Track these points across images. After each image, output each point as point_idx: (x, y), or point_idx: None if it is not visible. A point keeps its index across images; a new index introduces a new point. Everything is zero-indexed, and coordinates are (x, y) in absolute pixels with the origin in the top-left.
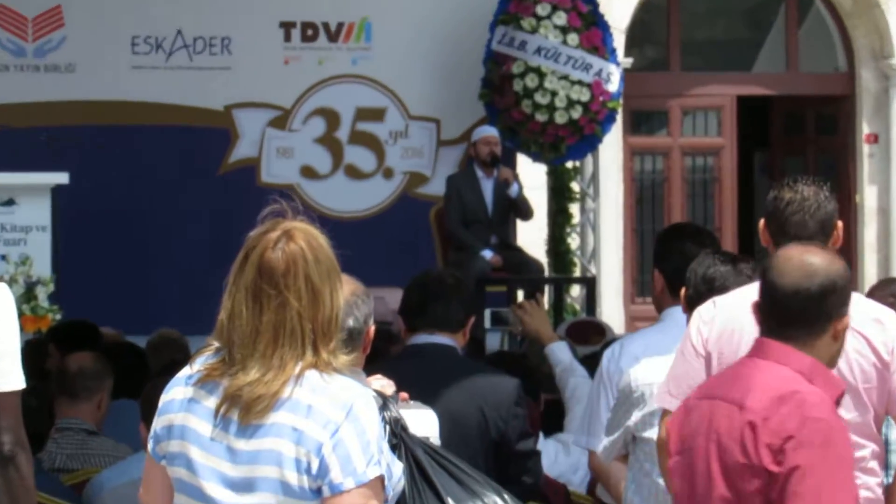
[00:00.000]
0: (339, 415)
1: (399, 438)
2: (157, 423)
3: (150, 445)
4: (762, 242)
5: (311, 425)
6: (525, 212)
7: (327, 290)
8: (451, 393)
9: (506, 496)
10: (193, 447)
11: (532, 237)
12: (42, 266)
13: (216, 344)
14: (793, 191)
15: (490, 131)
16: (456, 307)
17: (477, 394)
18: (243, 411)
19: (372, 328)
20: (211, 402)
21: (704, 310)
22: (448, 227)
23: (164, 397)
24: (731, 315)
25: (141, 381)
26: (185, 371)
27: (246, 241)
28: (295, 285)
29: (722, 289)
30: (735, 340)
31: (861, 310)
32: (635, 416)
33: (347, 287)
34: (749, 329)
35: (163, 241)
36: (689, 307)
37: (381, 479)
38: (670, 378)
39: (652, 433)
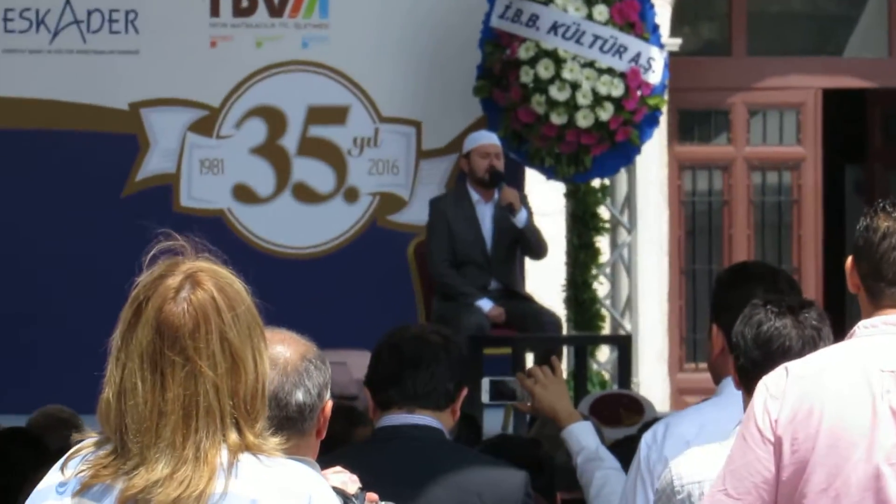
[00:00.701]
0: None
1: None
2: None
3: None
4: (850, 288)
5: None
6: (536, 247)
7: (249, 353)
8: (438, 491)
9: None
10: None
11: (546, 281)
12: None
13: (93, 437)
14: (891, 218)
15: (489, 138)
16: (442, 376)
17: (472, 491)
18: None
19: (329, 403)
20: None
21: (773, 381)
22: (432, 268)
23: None
24: (809, 387)
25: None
26: (55, 477)
27: (134, 290)
28: (208, 348)
29: (784, 351)
30: (814, 422)
31: None
32: None
33: (296, 349)
34: (832, 406)
35: (47, 290)
36: (743, 381)
37: None
38: (728, 472)
39: None
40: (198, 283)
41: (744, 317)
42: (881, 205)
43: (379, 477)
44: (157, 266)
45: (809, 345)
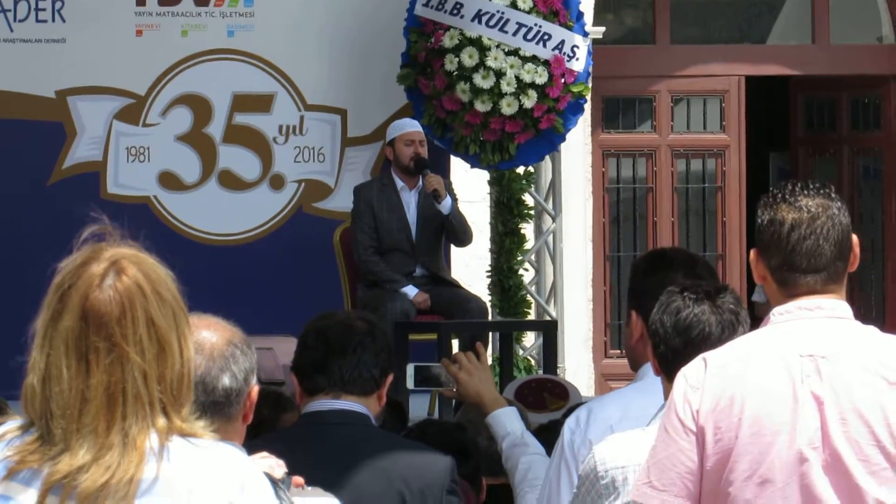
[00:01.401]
0: (230, 490)
1: None
2: None
3: None
4: (756, 279)
5: None
6: (461, 234)
7: (175, 338)
8: (363, 476)
9: None
10: None
11: (471, 268)
12: None
13: (18, 422)
14: (795, 208)
15: (413, 126)
16: (368, 363)
17: (397, 477)
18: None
19: (255, 389)
20: (29, 497)
21: (691, 372)
22: (357, 255)
23: None
24: (729, 376)
25: None
26: None
27: (57, 277)
28: (135, 334)
29: (704, 338)
30: (736, 410)
31: None
32: None
33: (222, 334)
34: (753, 393)
35: None
36: (663, 368)
37: None
38: (652, 464)
39: None
40: (122, 270)
41: (661, 304)
42: (780, 195)
43: (305, 462)
44: (79, 253)
45: (728, 329)
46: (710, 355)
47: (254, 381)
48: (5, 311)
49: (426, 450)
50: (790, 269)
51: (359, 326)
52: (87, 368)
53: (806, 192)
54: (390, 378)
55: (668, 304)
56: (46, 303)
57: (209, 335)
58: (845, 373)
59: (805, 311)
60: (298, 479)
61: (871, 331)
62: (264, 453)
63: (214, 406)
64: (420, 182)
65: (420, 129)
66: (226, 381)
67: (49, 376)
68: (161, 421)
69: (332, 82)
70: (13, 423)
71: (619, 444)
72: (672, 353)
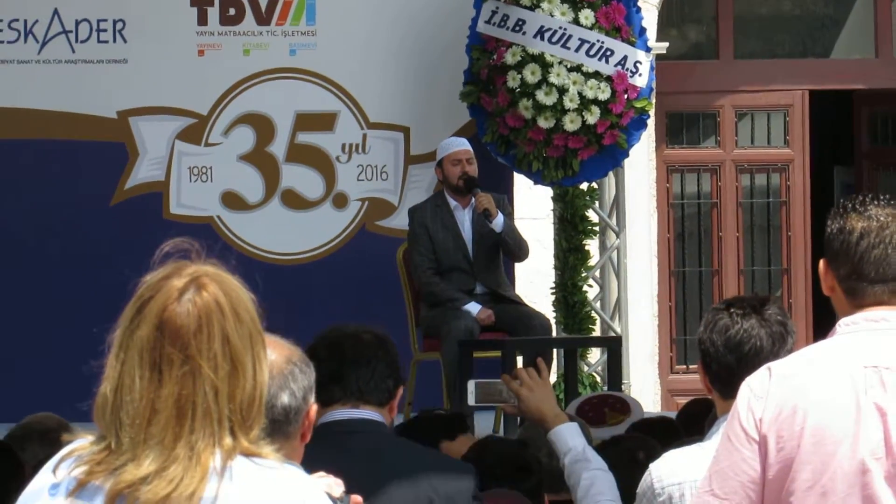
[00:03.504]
0: None
1: None
2: None
3: None
4: (825, 290)
5: None
6: (516, 250)
7: (249, 358)
8: (392, 483)
9: None
10: None
11: (535, 285)
12: None
13: (88, 439)
14: (864, 217)
15: (459, 145)
16: (383, 373)
17: (425, 483)
18: None
19: (313, 407)
20: None
21: (756, 381)
22: (416, 276)
23: None
24: (792, 386)
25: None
26: (47, 479)
27: (139, 289)
28: (210, 350)
29: (756, 352)
30: (799, 420)
31: None
32: None
33: (280, 353)
34: (816, 403)
35: (36, 297)
36: (717, 387)
37: None
38: (713, 472)
39: None
40: (202, 286)
41: (707, 323)
42: (850, 205)
43: (332, 471)
44: (163, 267)
45: (779, 341)
46: (775, 365)
47: (312, 399)
48: (68, 328)
49: (448, 458)
50: (858, 279)
51: (371, 338)
52: (159, 378)
53: (876, 202)
54: (401, 391)
55: (715, 323)
56: (126, 313)
57: (269, 353)
58: None
59: (871, 323)
60: (357, 498)
61: None
62: (321, 472)
63: (273, 424)
64: (473, 200)
65: (467, 146)
66: (285, 399)
67: (121, 385)
68: (228, 440)
69: (395, 100)
70: (83, 441)
71: (675, 460)
72: (727, 370)
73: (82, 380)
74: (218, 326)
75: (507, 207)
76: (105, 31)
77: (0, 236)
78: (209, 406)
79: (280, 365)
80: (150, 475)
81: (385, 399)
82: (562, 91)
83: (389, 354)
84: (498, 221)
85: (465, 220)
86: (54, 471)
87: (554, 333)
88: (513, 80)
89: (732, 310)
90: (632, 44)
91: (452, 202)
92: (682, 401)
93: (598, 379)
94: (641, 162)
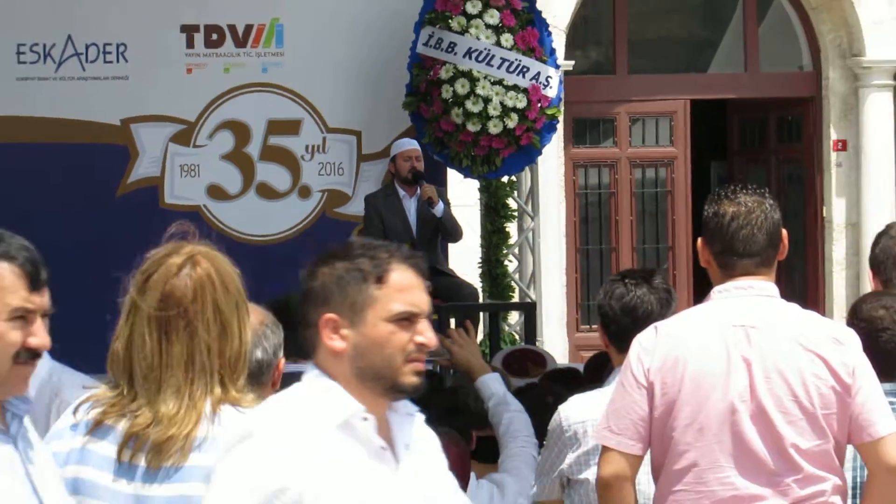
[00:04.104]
0: None
1: None
2: None
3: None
4: (702, 263)
5: None
6: (452, 232)
7: (236, 322)
8: None
9: None
10: (91, 500)
11: (465, 260)
12: None
13: (102, 386)
14: (735, 203)
15: (409, 145)
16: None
17: None
18: (153, 454)
19: (282, 361)
20: (109, 448)
21: (645, 337)
22: None
23: (50, 449)
24: (675, 342)
25: None
26: (68, 420)
27: (144, 263)
28: (204, 315)
29: (647, 314)
30: (680, 369)
31: (818, 329)
32: (569, 459)
33: (255, 316)
34: (694, 356)
35: (54, 270)
36: (614, 344)
37: None
38: (610, 413)
39: (589, 474)
40: (197, 263)
41: (606, 292)
42: (723, 193)
43: None
44: (163, 246)
45: (665, 305)
46: (661, 324)
47: (280, 354)
48: (81, 302)
49: None
50: (730, 254)
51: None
52: (167, 339)
53: (744, 191)
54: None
55: (613, 291)
56: (134, 284)
57: None
58: (770, 340)
59: (740, 290)
60: None
61: (794, 307)
62: None
63: (250, 376)
64: (418, 190)
65: (416, 146)
66: (259, 354)
67: (132, 343)
68: (218, 390)
69: (349, 109)
70: (97, 390)
71: (580, 403)
72: (622, 330)
73: (92, 338)
74: (210, 296)
75: (445, 197)
76: (110, 53)
77: (24, 222)
78: (204, 362)
79: (254, 326)
80: (159, 419)
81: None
82: (486, 101)
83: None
84: (439, 208)
85: (410, 207)
86: (74, 413)
87: (480, 300)
88: (446, 92)
89: (627, 280)
90: (544, 62)
91: (401, 192)
92: (587, 354)
93: (517, 337)
94: (552, 159)
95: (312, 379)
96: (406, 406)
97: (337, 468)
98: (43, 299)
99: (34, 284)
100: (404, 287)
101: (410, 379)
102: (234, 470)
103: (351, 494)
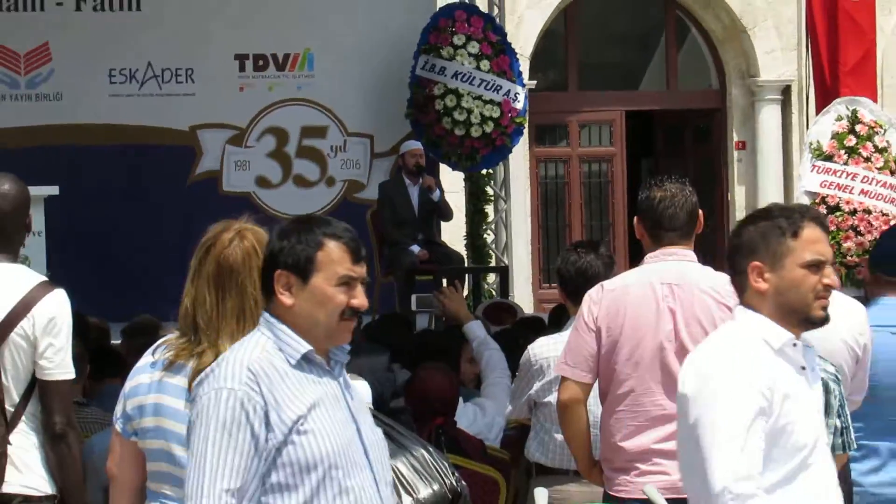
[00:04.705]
0: None
1: None
2: (127, 406)
3: (118, 425)
4: (637, 235)
5: None
6: (446, 213)
7: None
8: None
9: (430, 448)
10: (169, 420)
11: (453, 234)
12: (38, 265)
13: (175, 333)
14: (662, 189)
15: (415, 145)
16: None
17: (371, 367)
18: None
19: None
20: (181, 380)
21: (594, 292)
22: (381, 226)
23: (130, 384)
24: (617, 295)
25: (110, 357)
26: (148, 359)
27: (204, 237)
28: (250, 277)
29: (595, 275)
30: (620, 317)
31: (725, 285)
32: (536, 386)
33: None
34: (631, 306)
35: (140, 242)
36: (570, 298)
37: None
38: (567, 350)
39: (551, 398)
40: (244, 237)
41: (563, 259)
42: (653, 182)
43: None
44: (219, 223)
45: (608, 268)
46: (606, 283)
47: None
48: (160, 265)
49: (372, 345)
50: (658, 228)
51: None
52: (223, 296)
53: (669, 180)
54: None
55: (568, 258)
56: (196, 253)
57: None
58: (690, 294)
59: (666, 256)
60: None
61: (707, 269)
62: None
63: None
64: (420, 180)
65: (420, 146)
66: None
67: (197, 302)
68: None
69: (363, 118)
70: (170, 335)
71: (544, 343)
72: (576, 288)
73: (167, 295)
74: (254, 262)
75: (440, 186)
76: (181, 75)
77: (117, 205)
78: (252, 311)
79: None
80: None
81: None
82: (469, 112)
83: None
84: (435, 195)
85: (414, 193)
86: (153, 353)
87: (465, 264)
88: (438, 105)
89: (578, 250)
90: (513, 82)
91: (407, 181)
92: (548, 306)
93: (494, 293)
94: (520, 156)
95: (743, 313)
96: (804, 339)
97: (787, 377)
98: (362, 270)
99: (356, 258)
100: (814, 240)
101: (819, 313)
102: (728, 373)
103: (799, 398)
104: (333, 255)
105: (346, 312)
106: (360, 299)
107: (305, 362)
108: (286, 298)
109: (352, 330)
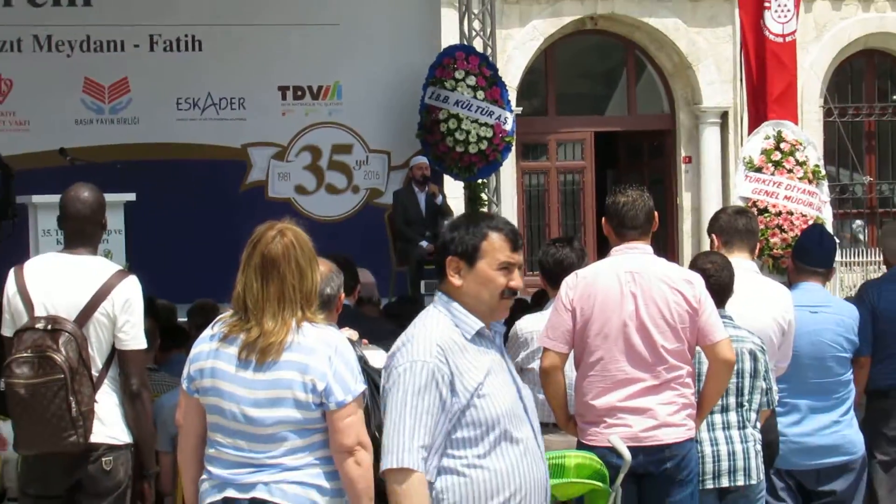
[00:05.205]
0: (330, 351)
1: (362, 368)
2: (190, 369)
3: (184, 385)
4: (605, 233)
5: (314, 360)
6: (447, 215)
7: (309, 272)
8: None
9: None
10: (222, 381)
11: None
12: (119, 258)
13: (229, 312)
14: (625, 195)
15: (422, 160)
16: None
17: (388, 340)
18: (259, 354)
19: (342, 295)
20: (233, 350)
21: (570, 279)
22: (396, 226)
23: (194, 351)
24: (589, 282)
25: (177, 332)
26: (207, 332)
27: (253, 235)
28: (289, 268)
29: (570, 265)
30: (591, 299)
31: (677, 273)
32: (522, 355)
33: (324, 266)
34: (601, 291)
35: (201, 238)
36: (550, 283)
37: (364, 393)
38: (548, 326)
39: (534, 365)
40: (284, 235)
41: (544, 252)
42: (618, 189)
43: (354, 327)
44: (264, 224)
45: (581, 259)
46: (579, 271)
47: (340, 291)
48: (215, 259)
49: (385, 320)
50: (622, 227)
51: (341, 260)
52: (267, 284)
53: (630, 188)
54: (357, 289)
55: (548, 251)
56: (246, 248)
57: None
58: (648, 281)
59: (629, 250)
60: (365, 340)
61: (662, 260)
62: (346, 328)
63: (322, 305)
64: (426, 188)
65: (426, 161)
66: (327, 290)
67: (246, 287)
68: (300, 313)
69: (382, 137)
70: (226, 314)
71: (528, 319)
72: (554, 276)
73: (223, 282)
74: (293, 256)
75: (443, 193)
76: (234, 103)
77: (182, 208)
78: (291, 296)
79: (324, 273)
80: (264, 333)
81: (349, 292)
82: (467, 133)
83: (347, 271)
84: (439, 199)
85: (421, 198)
86: (212, 328)
87: None
88: (442, 128)
89: (556, 244)
90: (503, 108)
91: (416, 189)
92: (531, 290)
93: None
94: (508, 168)
95: None
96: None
97: None
98: (519, 257)
99: (514, 247)
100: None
101: None
102: None
103: None
104: (495, 244)
105: (506, 293)
106: (516, 281)
107: (477, 336)
108: (456, 280)
109: (509, 308)
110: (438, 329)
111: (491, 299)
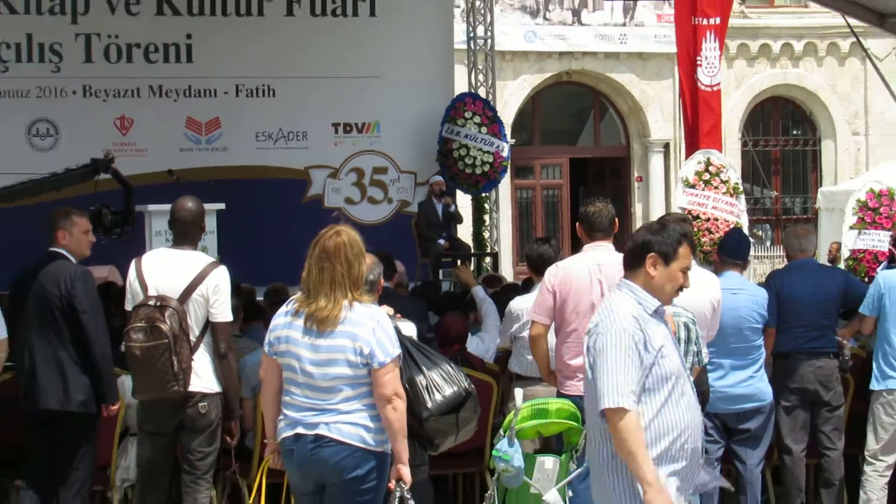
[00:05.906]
0: (374, 324)
1: (397, 336)
2: (270, 336)
3: (266, 348)
4: (578, 234)
5: (361, 331)
6: (459, 220)
7: (356, 262)
8: (416, 311)
9: (451, 364)
10: (293, 346)
11: (464, 232)
12: (212, 252)
13: (298, 294)
14: (594, 206)
15: (439, 178)
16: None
17: (415, 314)
18: (319, 325)
19: (382, 280)
20: (300, 321)
21: (552, 268)
22: (419, 228)
23: (273, 322)
24: (566, 272)
25: (256, 308)
26: (283, 308)
27: (317, 236)
28: (339, 259)
29: (550, 258)
30: (568, 284)
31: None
32: (515, 326)
33: (369, 259)
34: (576, 279)
35: (275, 240)
36: (535, 272)
37: (399, 355)
38: (535, 304)
39: (525, 334)
40: (339, 234)
41: (529, 248)
42: (589, 201)
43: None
44: (326, 228)
45: (556, 253)
46: (559, 263)
47: (381, 278)
48: (283, 257)
49: (415, 300)
50: (592, 230)
51: (383, 254)
52: (323, 272)
53: (599, 200)
54: (395, 278)
55: (532, 247)
56: (312, 244)
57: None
58: (611, 270)
59: (597, 247)
60: (399, 315)
61: (620, 255)
62: (385, 306)
63: (367, 288)
64: (443, 200)
65: (442, 179)
66: (371, 277)
67: (308, 273)
68: (349, 295)
69: (410, 162)
70: (297, 294)
71: (521, 299)
72: (538, 266)
73: (293, 270)
74: (343, 250)
75: (455, 203)
76: (299, 136)
77: (260, 215)
78: (342, 281)
79: (368, 264)
80: (321, 308)
81: (388, 278)
82: (474, 158)
83: (387, 263)
84: (452, 208)
85: (439, 207)
86: (287, 305)
87: (472, 251)
88: (455, 154)
89: (538, 242)
90: (501, 140)
91: (434, 201)
92: (522, 278)
93: (489, 269)
94: (506, 185)
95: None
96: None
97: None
98: (692, 262)
99: (692, 255)
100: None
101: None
102: None
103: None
104: (684, 252)
105: (679, 289)
106: (686, 282)
107: (654, 312)
108: (652, 271)
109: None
110: (630, 305)
111: (671, 291)
